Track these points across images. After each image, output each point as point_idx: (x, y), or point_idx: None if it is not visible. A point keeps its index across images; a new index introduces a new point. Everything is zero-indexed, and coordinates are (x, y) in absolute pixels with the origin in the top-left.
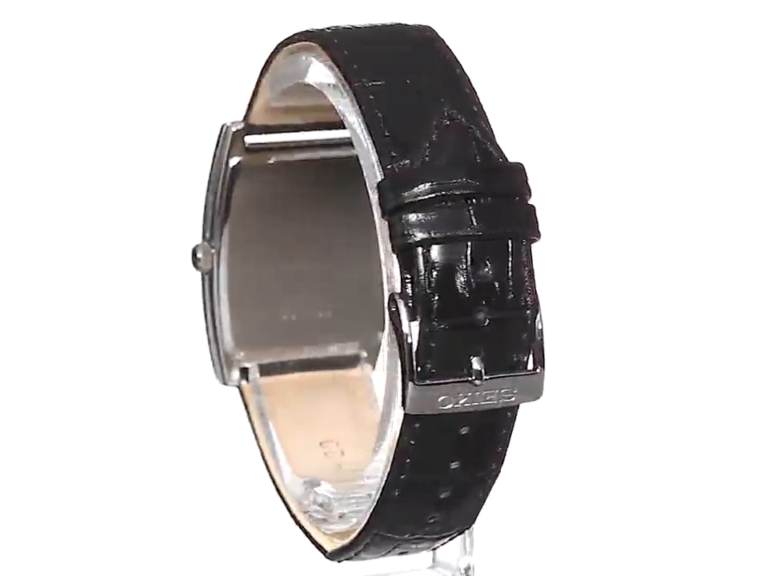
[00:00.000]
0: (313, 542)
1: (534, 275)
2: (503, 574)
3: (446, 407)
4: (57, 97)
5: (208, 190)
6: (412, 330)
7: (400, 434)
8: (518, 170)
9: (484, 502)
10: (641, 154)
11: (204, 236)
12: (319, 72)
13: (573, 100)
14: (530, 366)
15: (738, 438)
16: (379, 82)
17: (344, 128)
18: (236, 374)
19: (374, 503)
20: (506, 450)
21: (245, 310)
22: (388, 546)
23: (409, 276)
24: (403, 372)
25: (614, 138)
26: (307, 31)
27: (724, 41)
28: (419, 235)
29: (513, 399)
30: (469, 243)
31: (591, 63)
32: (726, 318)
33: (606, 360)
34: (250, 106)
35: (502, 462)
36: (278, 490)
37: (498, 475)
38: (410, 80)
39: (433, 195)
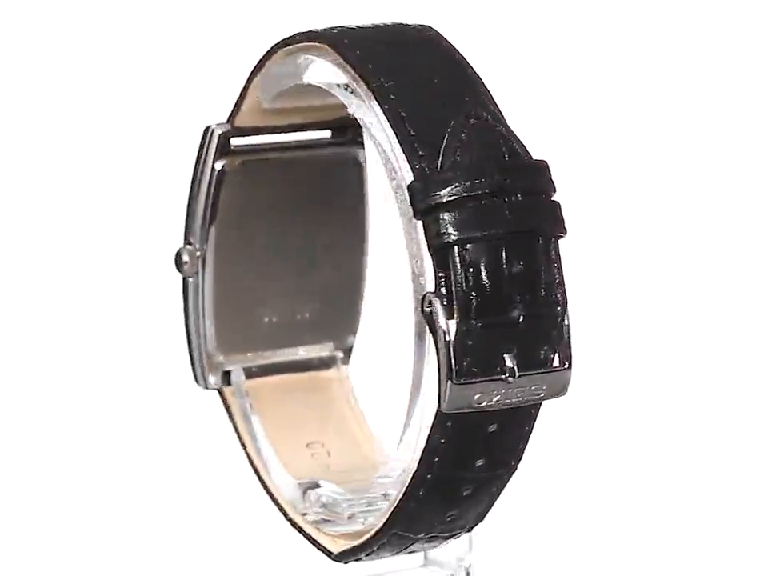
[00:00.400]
0: (314, 544)
1: (562, 271)
2: (500, 573)
3: (481, 405)
4: (38, 96)
5: (192, 194)
6: (450, 328)
7: (430, 433)
8: (544, 167)
9: (497, 499)
10: (641, 150)
11: (188, 239)
12: (326, 72)
13: (572, 100)
14: (556, 362)
15: (750, 439)
16: (397, 82)
17: (327, 129)
18: (218, 378)
19: (396, 502)
20: (526, 447)
21: (227, 313)
22: (402, 545)
23: (444, 275)
24: (441, 371)
25: (613, 138)
26: (310, 32)
27: (724, 40)
28: (455, 235)
29: (542, 396)
30: (503, 241)
31: (590, 64)
32: (733, 315)
33: (606, 360)
34: (237, 108)
35: (520, 459)
36: (269, 493)
37: (514, 472)
38: (425, 79)
39: (466, 195)
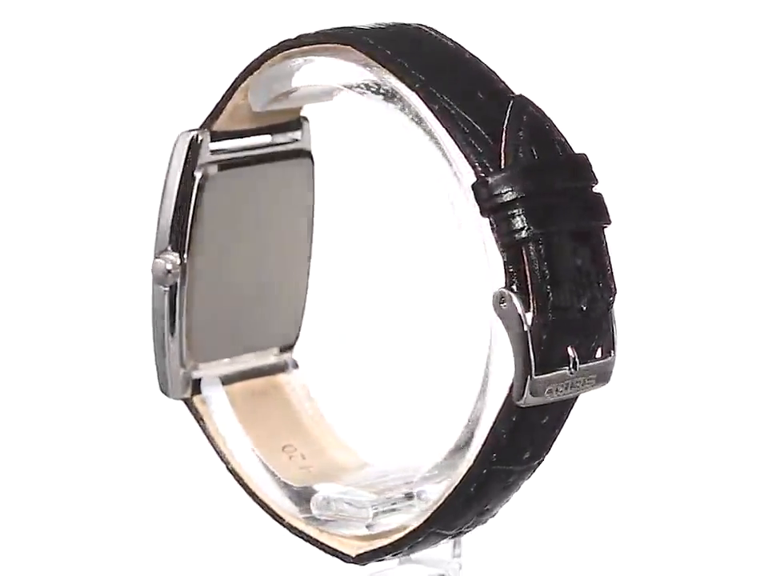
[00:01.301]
0: (320, 548)
1: (611, 261)
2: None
3: (551, 397)
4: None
5: (175, 203)
6: (528, 323)
7: (494, 428)
8: (587, 160)
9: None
10: (640, 150)
11: (165, 248)
12: (344, 72)
13: (571, 100)
14: (599, 353)
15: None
16: (435, 79)
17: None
18: (188, 387)
19: (444, 499)
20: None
21: (199, 321)
22: (432, 543)
23: (515, 271)
24: (519, 365)
25: (612, 139)
26: (320, 33)
27: (724, 40)
28: (528, 231)
29: (591, 386)
30: (569, 235)
31: (590, 64)
32: (734, 314)
33: None
34: (217, 112)
35: (550, 449)
36: (261, 501)
37: (542, 462)
38: (457, 76)
39: (533, 191)
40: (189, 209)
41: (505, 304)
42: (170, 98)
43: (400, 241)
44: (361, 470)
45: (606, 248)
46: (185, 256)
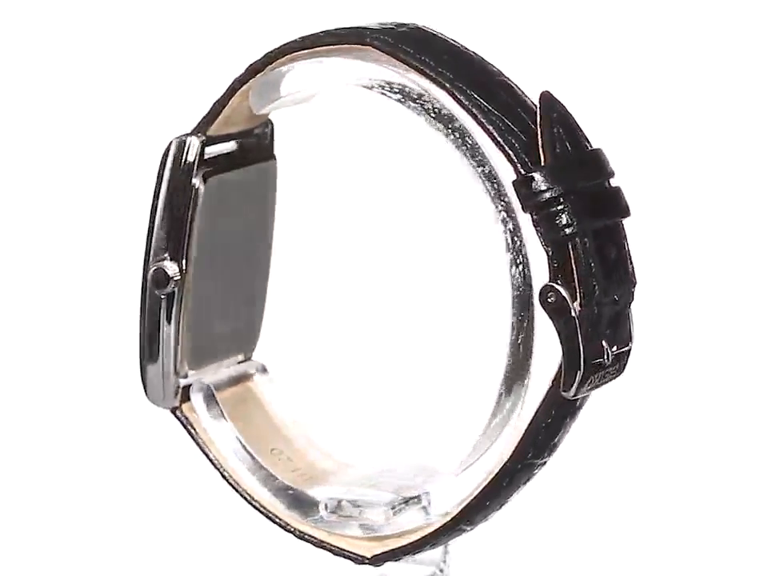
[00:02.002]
0: (329, 550)
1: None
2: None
3: (590, 389)
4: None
5: (169, 209)
6: (578, 315)
7: (535, 421)
8: (605, 154)
9: None
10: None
11: (162, 256)
12: (364, 72)
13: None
14: (622, 343)
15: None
16: (463, 77)
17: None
18: (178, 395)
19: (476, 494)
20: None
21: (189, 327)
22: (452, 538)
23: (562, 265)
24: (569, 358)
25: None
26: (329, 34)
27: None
28: (572, 227)
29: (614, 377)
30: (604, 229)
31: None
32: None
33: None
34: (213, 116)
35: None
36: (261, 506)
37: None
38: (476, 74)
39: (574, 187)
40: (187, 216)
41: (552, 298)
42: (155, 102)
43: (416, 237)
44: (346, 470)
45: (626, 239)
46: (183, 263)
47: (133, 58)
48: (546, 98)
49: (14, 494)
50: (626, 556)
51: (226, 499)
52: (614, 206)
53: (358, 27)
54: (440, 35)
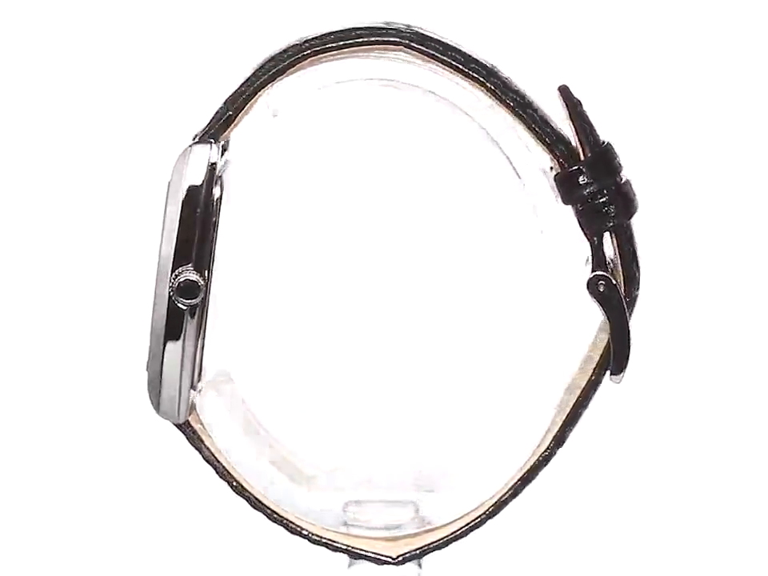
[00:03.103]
0: (350, 553)
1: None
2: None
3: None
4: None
5: (187, 217)
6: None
7: (577, 405)
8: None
9: None
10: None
11: (184, 265)
12: (393, 72)
13: None
14: None
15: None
16: (488, 74)
17: None
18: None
19: (511, 486)
20: None
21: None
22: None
23: (600, 257)
24: (619, 348)
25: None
26: (349, 33)
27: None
28: (615, 219)
29: None
30: (633, 223)
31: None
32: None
33: None
34: (231, 120)
35: None
36: (278, 515)
37: None
38: (493, 71)
39: (611, 180)
40: (211, 225)
41: (603, 287)
42: (156, 102)
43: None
44: (334, 473)
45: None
46: (206, 273)
47: (133, 58)
48: (567, 92)
49: (21, 495)
50: (625, 556)
51: (226, 500)
52: (632, 198)
53: (373, 26)
54: (439, 35)
